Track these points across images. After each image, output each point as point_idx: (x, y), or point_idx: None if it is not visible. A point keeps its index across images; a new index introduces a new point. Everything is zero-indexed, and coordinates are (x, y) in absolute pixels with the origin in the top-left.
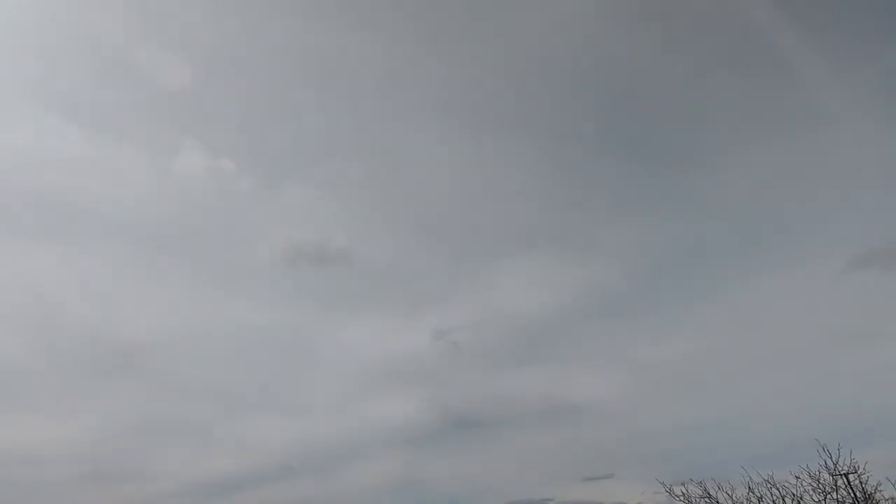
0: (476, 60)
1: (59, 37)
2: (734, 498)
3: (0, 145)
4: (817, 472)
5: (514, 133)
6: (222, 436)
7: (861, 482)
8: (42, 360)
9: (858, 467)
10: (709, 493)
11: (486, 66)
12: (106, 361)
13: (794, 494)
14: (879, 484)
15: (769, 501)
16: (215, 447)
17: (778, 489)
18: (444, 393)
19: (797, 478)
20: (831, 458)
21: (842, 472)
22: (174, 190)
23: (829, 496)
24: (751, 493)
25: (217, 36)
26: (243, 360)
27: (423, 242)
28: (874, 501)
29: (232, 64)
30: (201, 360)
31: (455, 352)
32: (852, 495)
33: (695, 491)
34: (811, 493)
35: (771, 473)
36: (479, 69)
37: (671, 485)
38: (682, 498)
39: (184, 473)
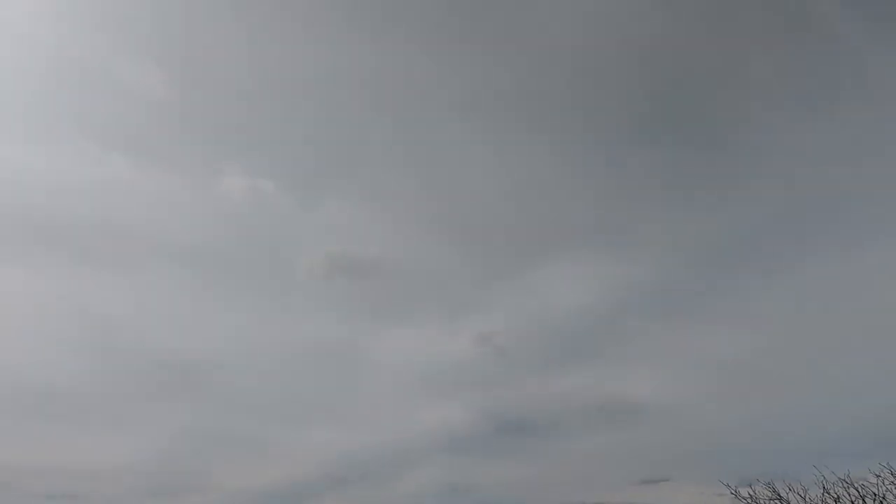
0: (501, 57)
1: (95, 70)
2: (807, 499)
3: (56, 177)
4: None
5: (546, 128)
6: (277, 447)
7: None
8: (105, 380)
9: None
10: (779, 495)
11: (513, 61)
12: (164, 379)
13: (874, 494)
14: None
15: (847, 502)
16: (272, 458)
17: (857, 489)
18: (491, 398)
19: (878, 476)
20: None
21: None
22: (216, 212)
23: None
24: (826, 494)
25: (250, 61)
26: (292, 372)
27: (461, 247)
28: None
29: (267, 86)
30: (253, 373)
31: (500, 356)
32: None
33: (763, 493)
34: (895, 491)
35: (848, 472)
36: (507, 65)
37: (736, 486)
38: (749, 500)
39: (243, 484)
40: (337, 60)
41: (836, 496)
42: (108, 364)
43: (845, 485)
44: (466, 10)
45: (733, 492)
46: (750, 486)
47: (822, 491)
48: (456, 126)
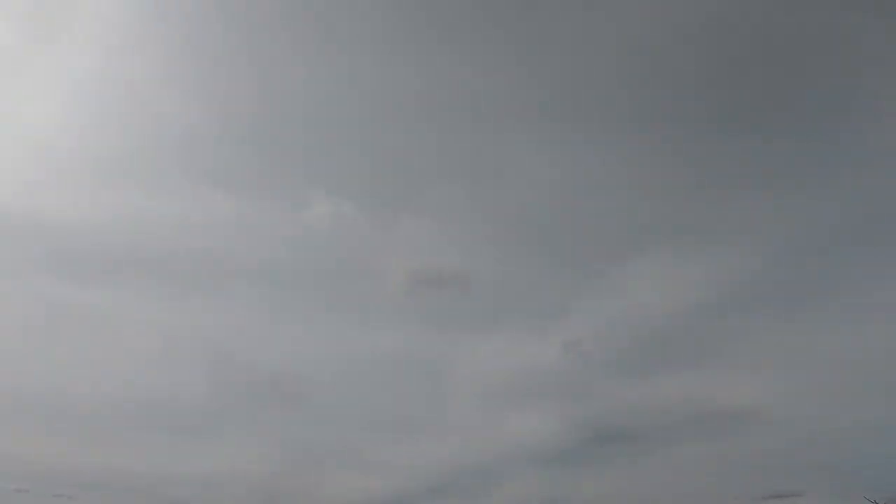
0: (562, 58)
1: (191, 123)
2: None
3: (169, 218)
4: None
5: (617, 125)
6: (372, 459)
7: None
8: (216, 396)
9: None
10: None
11: (575, 61)
12: (266, 395)
13: None
14: None
15: None
16: (367, 470)
17: None
18: (581, 406)
19: None
20: None
21: None
22: (306, 236)
23: None
24: None
25: (320, 93)
26: (382, 385)
27: (539, 253)
28: None
29: (335, 114)
30: (345, 386)
31: (587, 362)
32: None
33: None
34: None
35: None
36: (568, 67)
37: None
38: None
39: (342, 495)
40: (397, 83)
41: None
42: (219, 382)
43: None
44: (519, 16)
45: None
46: None
47: None
48: (520, 135)
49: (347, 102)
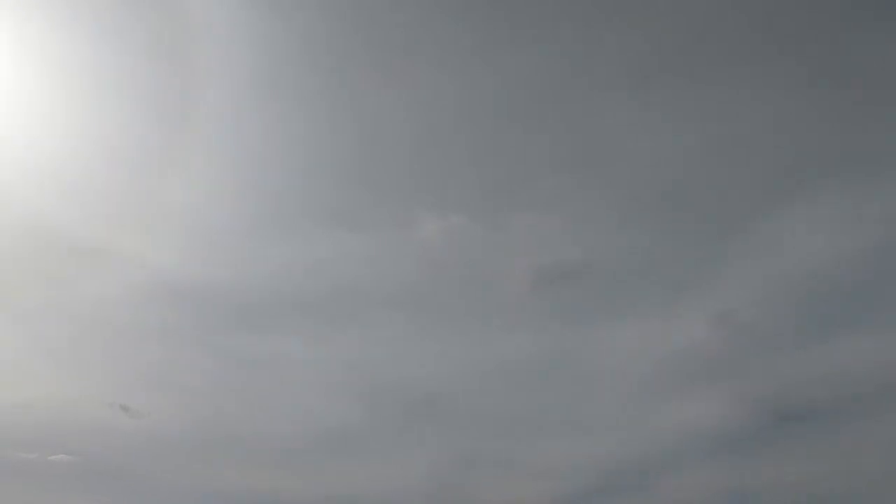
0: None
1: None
2: None
3: (303, 260)
4: None
5: (739, 58)
6: (526, 461)
7: None
8: (371, 419)
9: None
10: None
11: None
12: (414, 411)
13: None
14: None
15: None
16: (525, 474)
17: None
18: (746, 385)
19: None
20: None
21: None
22: (421, 255)
23: None
24: None
25: (414, 110)
26: (522, 387)
27: (666, 226)
28: None
29: (434, 129)
30: (487, 395)
31: (743, 334)
32: None
33: None
34: None
35: None
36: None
37: None
38: None
39: (501, 501)
40: (476, 87)
41: None
42: (371, 405)
43: None
44: None
45: None
46: None
47: None
48: (616, 108)
49: (435, 117)
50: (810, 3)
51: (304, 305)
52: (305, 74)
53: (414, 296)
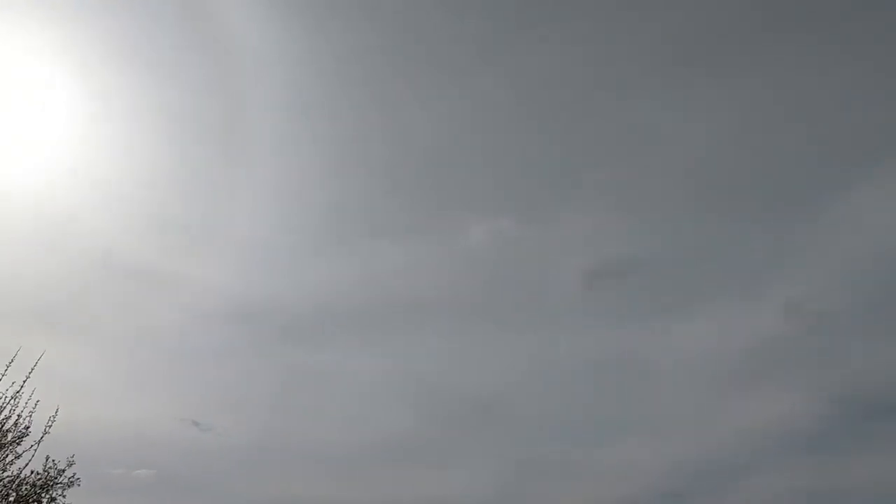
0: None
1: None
2: None
3: (356, 273)
4: None
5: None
6: (589, 465)
7: None
8: (431, 426)
9: None
10: None
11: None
12: (472, 417)
13: None
14: None
15: None
16: (586, 476)
17: None
18: (827, 377)
19: None
20: None
21: None
22: (472, 261)
23: None
24: None
25: (448, 117)
26: (583, 390)
27: (722, 213)
28: None
29: (472, 134)
30: (547, 398)
31: (822, 323)
32: None
33: None
34: None
35: None
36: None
37: None
38: None
39: None
40: (511, 89)
41: None
42: (427, 412)
43: None
44: None
45: None
46: None
47: None
48: (659, 95)
49: (473, 123)
50: None
51: (358, 316)
52: (340, 94)
53: (466, 301)
